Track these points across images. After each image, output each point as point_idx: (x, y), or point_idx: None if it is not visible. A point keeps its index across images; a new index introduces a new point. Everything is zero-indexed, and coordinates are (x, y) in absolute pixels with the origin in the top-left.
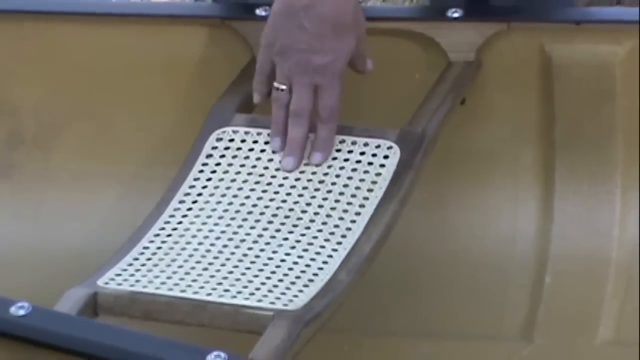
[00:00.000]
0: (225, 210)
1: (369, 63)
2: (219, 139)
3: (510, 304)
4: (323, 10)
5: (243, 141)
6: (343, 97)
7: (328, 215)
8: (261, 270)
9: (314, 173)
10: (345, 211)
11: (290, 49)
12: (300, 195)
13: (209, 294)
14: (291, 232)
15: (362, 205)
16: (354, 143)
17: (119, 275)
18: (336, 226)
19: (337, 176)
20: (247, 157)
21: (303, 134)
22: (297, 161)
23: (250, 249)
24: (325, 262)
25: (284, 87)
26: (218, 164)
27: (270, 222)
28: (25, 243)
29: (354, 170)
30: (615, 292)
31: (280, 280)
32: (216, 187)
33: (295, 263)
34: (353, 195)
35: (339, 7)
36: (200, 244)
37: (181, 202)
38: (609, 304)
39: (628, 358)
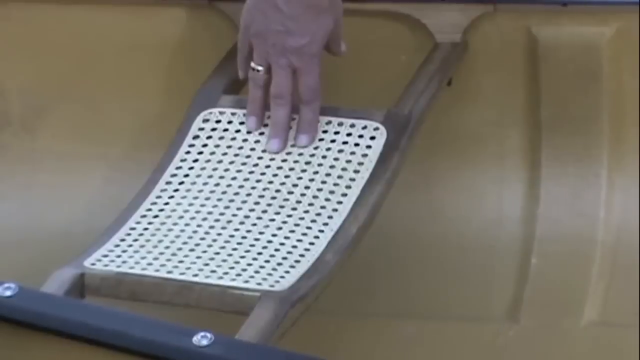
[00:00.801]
0: (212, 192)
1: (342, 45)
2: (206, 120)
3: (496, 285)
4: None
5: (230, 122)
6: (323, 78)
7: (315, 197)
8: (248, 251)
9: (300, 154)
10: (331, 192)
11: (267, 31)
12: (287, 177)
13: (196, 275)
14: (278, 214)
15: (348, 187)
16: (340, 124)
17: (105, 256)
18: (323, 207)
19: (324, 157)
20: (233, 139)
21: (286, 116)
22: (282, 143)
23: (236, 230)
24: (311, 243)
25: (260, 68)
26: (205, 145)
27: (256, 204)
28: (11, 224)
29: (340, 151)
30: (601, 273)
31: (267, 261)
32: (203, 169)
33: (282, 244)
34: (339, 177)
35: None
36: (186, 225)
37: (168, 183)
38: (595, 285)
39: (613, 339)
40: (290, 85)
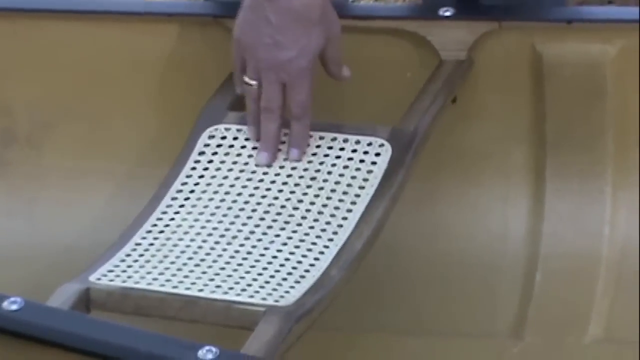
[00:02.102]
0: (217, 207)
1: (345, 70)
2: (211, 137)
3: (500, 302)
4: (288, 2)
5: (235, 139)
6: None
7: (320, 212)
8: (253, 266)
9: (305, 170)
10: (336, 208)
11: (257, 44)
12: (292, 192)
13: (201, 290)
14: (283, 229)
15: (353, 203)
16: (345, 141)
17: (111, 271)
18: (328, 223)
19: (329, 173)
20: (239, 155)
21: (275, 129)
22: (272, 156)
23: (242, 245)
24: (316, 259)
25: (253, 82)
26: (210, 161)
27: (262, 219)
28: (18, 240)
29: (345, 167)
30: (605, 290)
31: (272, 277)
32: (208, 184)
33: (287, 259)
34: (345, 193)
35: (304, 1)
36: (192, 240)
37: (173, 198)
38: (599, 302)
39: (617, 356)
40: (279, 99)
